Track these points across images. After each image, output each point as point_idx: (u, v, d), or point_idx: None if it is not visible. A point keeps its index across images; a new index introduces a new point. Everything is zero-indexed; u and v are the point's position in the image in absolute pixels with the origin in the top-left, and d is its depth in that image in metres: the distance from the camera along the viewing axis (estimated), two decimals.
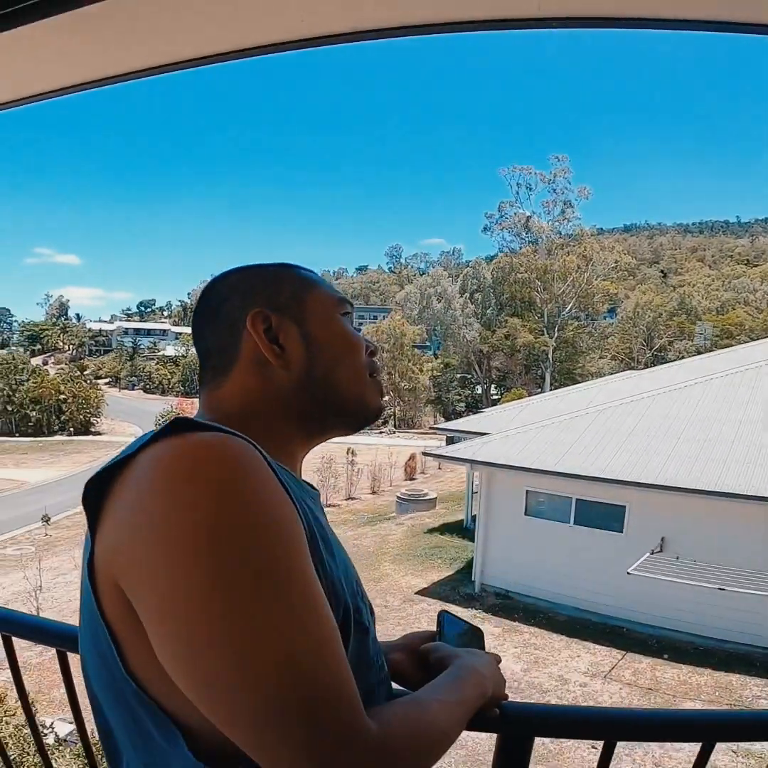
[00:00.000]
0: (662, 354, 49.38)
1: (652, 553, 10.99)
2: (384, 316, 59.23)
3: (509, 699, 0.96)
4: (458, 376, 55.70)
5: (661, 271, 73.96)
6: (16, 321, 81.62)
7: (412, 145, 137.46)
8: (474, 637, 1.07)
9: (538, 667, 9.86)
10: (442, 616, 1.07)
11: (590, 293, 52.36)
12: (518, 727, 0.97)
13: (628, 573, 9.90)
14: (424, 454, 17.46)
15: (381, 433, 45.02)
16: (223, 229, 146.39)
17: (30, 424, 46.91)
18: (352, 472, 24.36)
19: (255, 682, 0.57)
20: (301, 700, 0.57)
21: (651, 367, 39.37)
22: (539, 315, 52.94)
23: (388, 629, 10.64)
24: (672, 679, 9.40)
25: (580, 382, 36.11)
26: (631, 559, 10.45)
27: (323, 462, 23.38)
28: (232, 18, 1.30)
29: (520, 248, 55.21)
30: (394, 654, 1.00)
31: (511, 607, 12.00)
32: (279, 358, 0.85)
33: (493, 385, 56.85)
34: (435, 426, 31.50)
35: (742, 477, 10.75)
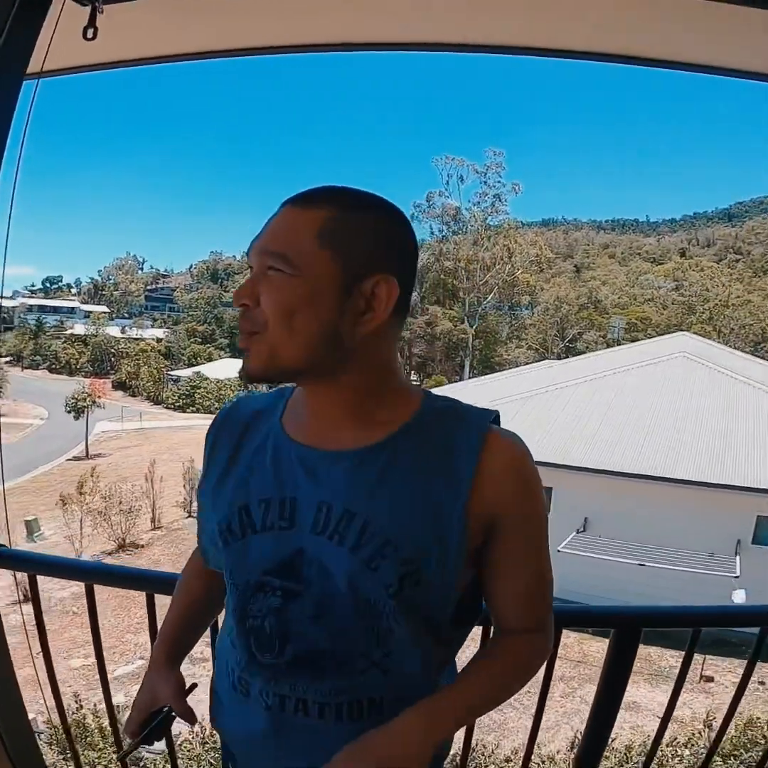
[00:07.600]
0: (573, 345, 51.59)
1: (577, 533, 11.65)
2: None
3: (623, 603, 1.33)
4: None
5: (575, 266, 76.94)
6: None
7: (344, 136, 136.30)
8: None
9: None
10: None
11: (510, 284, 53.89)
12: (630, 621, 1.46)
13: (558, 551, 10.42)
14: None
15: None
16: (134, 201, 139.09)
17: None
18: None
19: (549, 583, 1.01)
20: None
21: (564, 357, 41.08)
22: (461, 304, 54.03)
23: None
24: (597, 653, 9.96)
25: (497, 371, 37.20)
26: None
27: None
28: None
29: (447, 238, 56.09)
30: None
31: None
32: None
33: (412, 372, 57.59)
34: None
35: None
